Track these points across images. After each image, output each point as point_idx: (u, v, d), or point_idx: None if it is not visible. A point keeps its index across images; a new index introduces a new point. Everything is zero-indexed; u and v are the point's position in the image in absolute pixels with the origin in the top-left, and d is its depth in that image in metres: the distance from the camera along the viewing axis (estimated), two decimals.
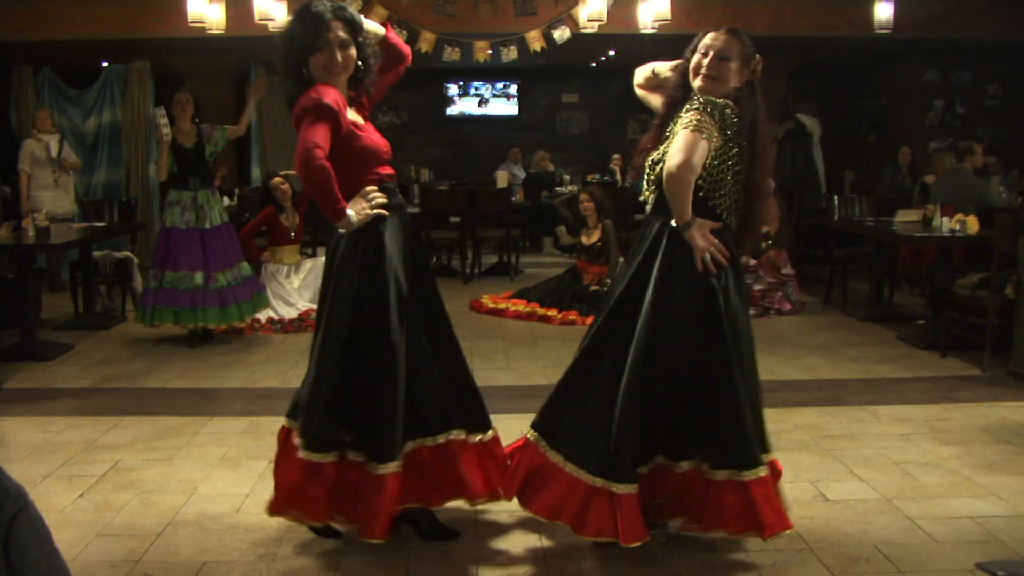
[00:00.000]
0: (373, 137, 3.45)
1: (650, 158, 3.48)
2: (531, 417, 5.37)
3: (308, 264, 8.53)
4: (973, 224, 6.91)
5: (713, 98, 3.28)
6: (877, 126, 14.33)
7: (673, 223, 3.28)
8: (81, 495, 4.14)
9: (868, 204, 9.03)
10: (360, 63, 3.42)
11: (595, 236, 8.65)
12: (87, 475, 4.39)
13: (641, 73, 3.79)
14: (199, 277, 6.97)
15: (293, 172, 8.88)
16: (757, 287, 8.34)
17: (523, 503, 3.55)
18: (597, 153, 15.53)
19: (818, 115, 12.00)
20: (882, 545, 3.61)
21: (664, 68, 3.65)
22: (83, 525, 3.79)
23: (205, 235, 7.05)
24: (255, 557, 3.51)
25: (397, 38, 3.69)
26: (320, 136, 3.16)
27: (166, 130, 6.87)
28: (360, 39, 3.41)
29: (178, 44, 9.98)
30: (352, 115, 3.40)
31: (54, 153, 9.05)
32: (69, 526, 3.78)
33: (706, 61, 3.35)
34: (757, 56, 3.40)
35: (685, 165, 3.17)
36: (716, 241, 3.29)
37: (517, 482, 3.54)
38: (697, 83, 3.37)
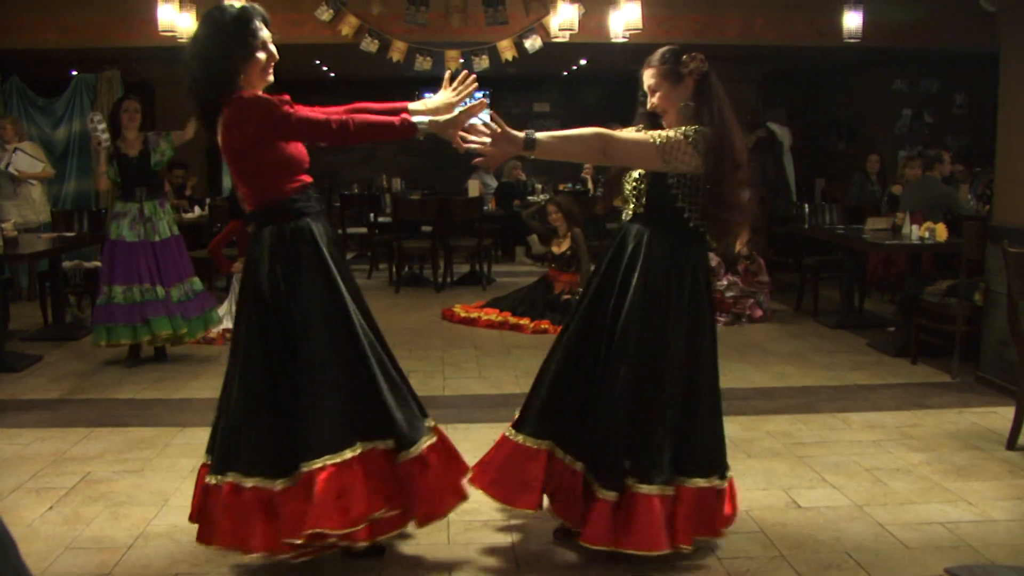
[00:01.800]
0: (297, 145, 3.40)
1: (631, 175, 3.53)
2: (503, 426, 5.37)
3: None
4: (942, 232, 6.97)
5: (682, 129, 3.34)
6: (846, 134, 14.43)
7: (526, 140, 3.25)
8: (50, 508, 4.10)
9: (838, 212, 9.09)
10: None
11: (565, 245, 8.70)
12: (56, 487, 4.35)
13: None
14: (160, 290, 6.71)
15: None
16: (729, 294, 8.38)
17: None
18: (568, 162, 15.55)
19: (788, 124, 12.06)
20: (854, 551, 3.63)
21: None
22: (52, 538, 3.76)
23: (156, 248, 6.76)
24: (227, 568, 3.49)
25: None
26: (307, 112, 3.20)
27: (105, 135, 6.66)
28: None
29: (148, 53, 9.91)
30: None
31: (1, 165, 8.82)
32: (38, 540, 3.74)
33: (650, 102, 3.49)
34: (684, 57, 3.41)
35: (605, 139, 3.29)
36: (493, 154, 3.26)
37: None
38: (663, 119, 3.50)
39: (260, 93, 3.21)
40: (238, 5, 3.29)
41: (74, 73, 11.02)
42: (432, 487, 3.34)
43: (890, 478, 4.45)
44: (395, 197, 11.53)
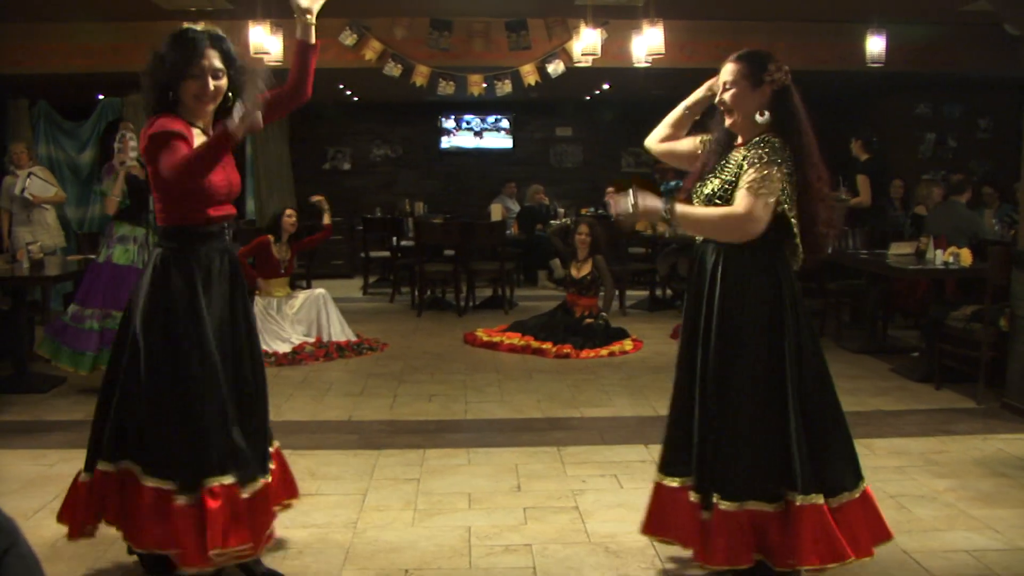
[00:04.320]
0: (215, 176, 3.31)
1: (701, 191, 3.43)
2: (525, 450, 5.37)
3: (301, 296, 8.53)
4: (966, 257, 6.93)
5: (765, 147, 3.26)
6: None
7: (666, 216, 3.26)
8: None
9: (861, 237, 9.05)
10: (229, 94, 3.38)
11: (585, 269, 8.70)
12: None
13: (664, 126, 3.75)
14: None
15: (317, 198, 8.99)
16: None
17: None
18: (591, 186, 15.57)
19: None
20: None
21: (694, 99, 3.65)
22: (75, 559, 3.77)
23: None
24: None
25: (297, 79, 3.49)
26: (177, 153, 3.11)
27: (134, 152, 6.55)
28: (232, 71, 3.37)
29: None
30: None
31: (16, 190, 8.87)
32: (61, 560, 3.75)
33: (720, 97, 3.40)
34: (770, 66, 3.37)
35: (738, 217, 3.21)
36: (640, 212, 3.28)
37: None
38: (727, 121, 3.41)
39: (160, 127, 3.18)
40: (192, 27, 3.34)
41: (100, 97, 11.14)
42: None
43: (915, 505, 4.41)
44: (418, 221, 11.58)
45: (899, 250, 7.70)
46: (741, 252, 3.30)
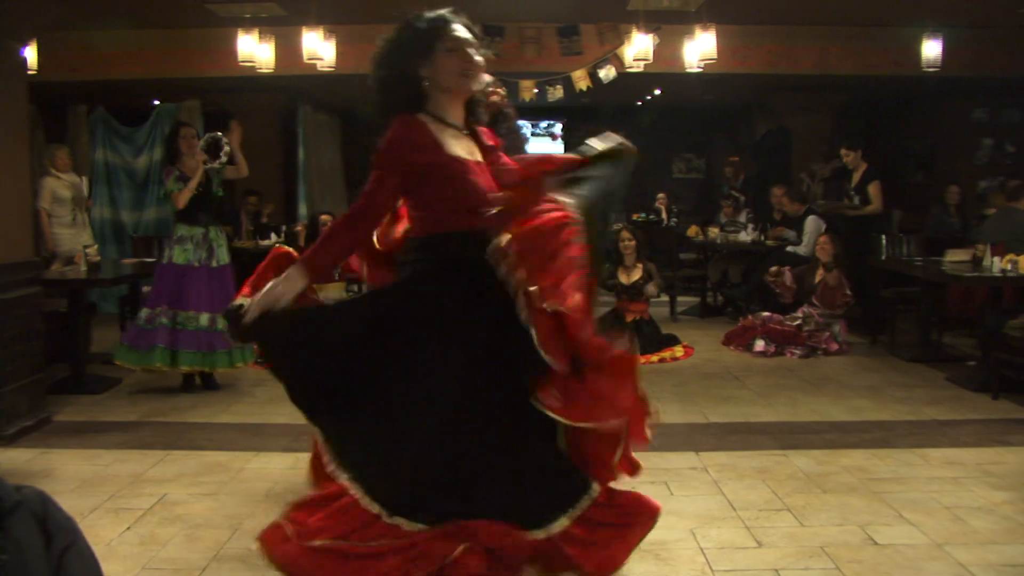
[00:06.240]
0: (471, 179, 2.99)
1: None
2: None
3: None
4: None
5: None
6: (924, 165, 14.20)
7: None
8: (128, 528, 4.17)
9: (916, 244, 8.94)
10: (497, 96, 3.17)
11: (636, 275, 8.62)
12: (134, 508, 4.42)
13: None
14: (204, 319, 6.71)
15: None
16: (805, 328, 8.28)
17: None
18: (643, 192, 15.52)
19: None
20: None
21: None
22: (129, 558, 3.82)
23: (212, 273, 6.82)
24: None
25: None
26: (374, 198, 2.92)
27: (225, 156, 6.76)
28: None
29: (228, 83, 10.12)
30: (457, 148, 2.99)
31: (85, 192, 9.02)
32: (115, 559, 3.80)
33: None
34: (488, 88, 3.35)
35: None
36: None
37: None
38: None
39: (394, 138, 2.97)
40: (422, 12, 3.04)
41: (156, 103, 11.30)
42: None
43: (971, 516, 4.33)
44: None
45: (955, 257, 7.60)
46: None
